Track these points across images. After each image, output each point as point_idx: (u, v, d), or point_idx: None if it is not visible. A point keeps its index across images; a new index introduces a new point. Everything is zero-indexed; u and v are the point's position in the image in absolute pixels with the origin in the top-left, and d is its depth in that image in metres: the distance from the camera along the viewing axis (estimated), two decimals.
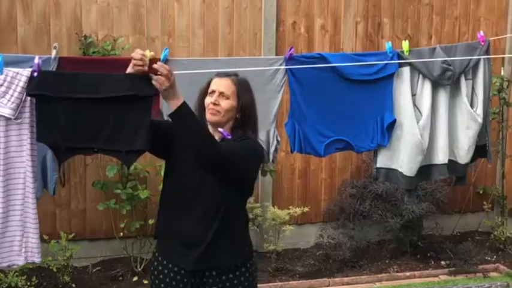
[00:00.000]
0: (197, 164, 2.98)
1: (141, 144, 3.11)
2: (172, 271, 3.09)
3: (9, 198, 3.25)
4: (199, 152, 2.93)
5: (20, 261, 3.34)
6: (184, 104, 2.89)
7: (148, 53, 3.03)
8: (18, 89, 3.17)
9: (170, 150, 3.13)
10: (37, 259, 3.35)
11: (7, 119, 3.19)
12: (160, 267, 3.13)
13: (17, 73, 3.17)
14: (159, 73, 2.89)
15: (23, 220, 3.29)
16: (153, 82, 2.90)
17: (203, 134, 2.93)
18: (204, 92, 3.15)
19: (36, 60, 3.15)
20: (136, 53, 2.98)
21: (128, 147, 3.13)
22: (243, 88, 3.13)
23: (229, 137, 3.07)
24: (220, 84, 3.10)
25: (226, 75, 3.15)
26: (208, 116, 3.08)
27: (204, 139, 2.91)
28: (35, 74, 3.13)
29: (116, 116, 3.12)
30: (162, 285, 3.11)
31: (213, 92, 3.09)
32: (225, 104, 3.07)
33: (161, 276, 3.12)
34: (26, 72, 3.17)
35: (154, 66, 2.91)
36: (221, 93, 3.08)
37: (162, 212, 3.18)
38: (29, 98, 3.19)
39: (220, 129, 3.07)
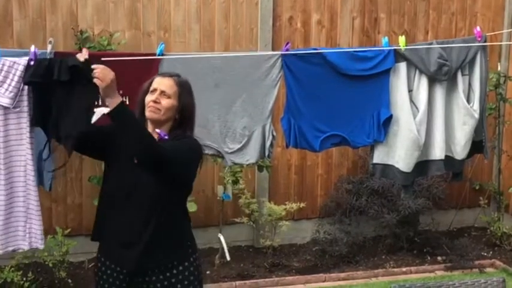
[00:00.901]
0: (132, 164, 2.95)
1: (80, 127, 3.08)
2: (115, 271, 3.09)
3: (12, 186, 3.29)
4: (139, 151, 2.90)
5: (25, 246, 3.38)
6: (121, 104, 2.87)
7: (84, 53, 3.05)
8: (16, 78, 3.20)
9: (108, 151, 3.11)
10: (40, 245, 3.39)
11: (5, 108, 3.22)
12: (103, 268, 3.13)
13: (14, 62, 3.20)
14: (96, 74, 2.89)
15: (26, 206, 3.32)
16: (94, 80, 2.90)
17: (142, 133, 2.90)
18: (146, 90, 3.13)
19: (33, 49, 3.17)
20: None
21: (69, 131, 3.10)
22: (184, 89, 3.12)
23: (166, 137, 3.05)
24: (162, 83, 3.09)
25: (169, 75, 3.14)
26: (148, 114, 3.07)
27: (143, 138, 2.88)
28: (32, 62, 3.14)
29: (67, 100, 3.12)
30: (106, 286, 3.12)
31: (155, 90, 3.08)
32: (165, 102, 3.06)
33: (105, 277, 3.12)
34: (22, 61, 3.20)
35: (93, 66, 2.92)
36: (162, 92, 3.07)
37: (99, 213, 3.18)
38: (26, 87, 3.21)
39: (158, 130, 3.06)
